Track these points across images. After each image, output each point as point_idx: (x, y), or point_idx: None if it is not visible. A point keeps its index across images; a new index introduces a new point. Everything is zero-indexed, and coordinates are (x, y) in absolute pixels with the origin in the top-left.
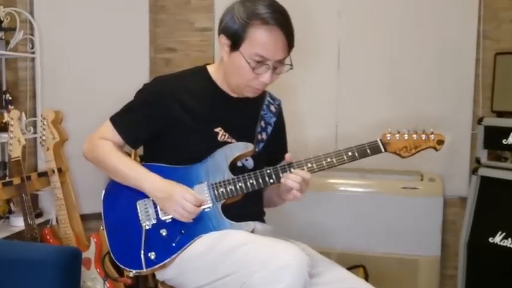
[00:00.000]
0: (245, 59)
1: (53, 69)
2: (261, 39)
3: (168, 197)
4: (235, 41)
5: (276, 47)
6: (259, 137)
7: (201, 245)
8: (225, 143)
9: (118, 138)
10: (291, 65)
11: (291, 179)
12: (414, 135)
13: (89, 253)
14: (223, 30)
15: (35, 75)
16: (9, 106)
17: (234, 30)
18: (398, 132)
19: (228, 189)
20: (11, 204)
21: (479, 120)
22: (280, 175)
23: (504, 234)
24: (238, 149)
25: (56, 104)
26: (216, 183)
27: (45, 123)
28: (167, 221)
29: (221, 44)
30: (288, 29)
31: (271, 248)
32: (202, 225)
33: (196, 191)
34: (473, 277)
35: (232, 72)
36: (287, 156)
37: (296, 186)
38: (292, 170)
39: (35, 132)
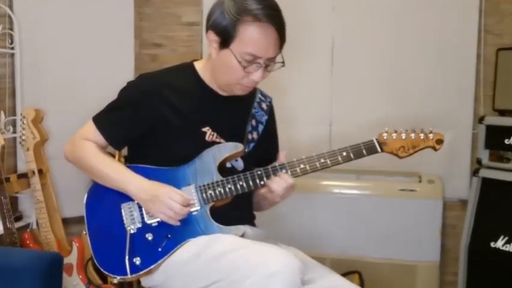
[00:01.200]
0: (236, 57)
1: (34, 66)
2: (253, 37)
3: (154, 198)
4: (225, 38)
5: (267, 44)
6: (250, 136)
7: (189, 250)
8: (214, 143)
9: (100, 138)
10: (283, 62)
11: (277, 183)
12: (412, 135)
13: (71, 258)
14: (212, 26)
15: (15, 72)
16: None
17: (224, 27)
18: (395, 132)
19: (217, 191)
20: None
21: (481, 119)
22: (272, 176)
23: (506, 238)
24: (228, 149)
25: (36, 102)
26: (204, 185)
27: (25, 122)
28: (153, 224)
29: (209, 40)
30: (280, 25)
31: (262, 253)
32: (189, 229)
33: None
34: (474, 283)
35: (221, 70)
36: (281, 155)
37: (279, 192)
38: (283, 170)
39: (14, 132)
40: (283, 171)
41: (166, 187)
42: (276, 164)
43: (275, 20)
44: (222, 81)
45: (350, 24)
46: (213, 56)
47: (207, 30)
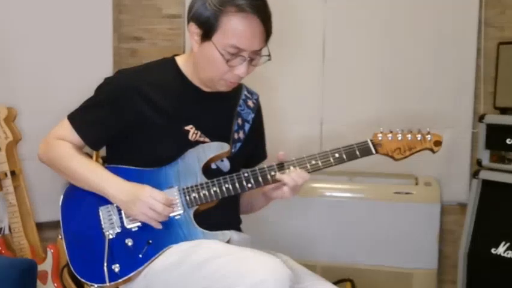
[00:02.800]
0: (218, 50)
1: (4, 61)
2: (236, 28)
3: (134, 199)
4: (207, 30)
5: (252, 36)
6: (236, 136)
7: (171, 257)
8: (197, 142)
9: (76, 138)
10: (269, 55)
11: (292, 177)
12: (409, 136)
13: (46, 265)
14: (193, 17)
15: None
16: None
17: (205, 18)
18: (391, 132)
19: (201, 194)
20: None
21: (481, 118)
22: (260, 179)
23: (508, 244)
24: (212, 149)
25: (8, 99)
26: (187, 188)
27: None
28: (133, 229)
29: (191, 32)
30: (266, 16)
31: (249, 260)
32: (171, 234)
33: None
34: None
35: (203, 64)
36: (281, 154)
37: (291, 185)
38: (272, 172)
39: None
40: (273, 173)
41: (147, 187)
42: (264, 165)
43: (260, 10)
44: (204, 76)
45: (342, 16)
46: (195, 49)
47: (188, 22)
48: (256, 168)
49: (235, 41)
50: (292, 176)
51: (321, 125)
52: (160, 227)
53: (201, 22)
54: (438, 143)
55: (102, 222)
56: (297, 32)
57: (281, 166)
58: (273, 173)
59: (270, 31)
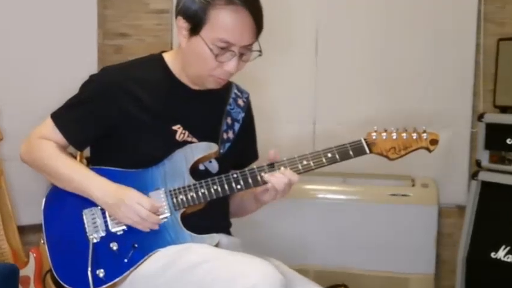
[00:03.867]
0: (207, 44)
1: None
2: (225, 21)
3: (120, 202)
4: (195, 24)
5: (242, 30)
6: (225, 135)
7: (157, 261)
8: (185, 142)
9: (60, 137)
10: (260, 51)
11: (279, 179)
12: (404, 134)
13: (28, 270)
14: (181, 11)
15: None
16: None
17: (193, 12)
18: (385, 131)
19: (189, 196)
20: None
21: (480, 117)
22: (249, 180)
23: (508, 248)
24: (200, 149)
25: None
26: (174, 190)
27: None
28: (118, 233)
29: (179, 27)
30: (256, 9)
31: (239, 265)
32: (158, 238)
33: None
34: None
35: (191, 60)
36: (271, 153)
37: (281, 188)
38: (263, 173)
39: None
40: (263, 173)
41: (134, 191)
42: (254, 166)
43: (250, 3)
44: (192, 73)
45: (337, 11)
46: (183, 44)
47: (176, 17)
48: (246, 169)
49: (224, 35)
50: (280, 177)
51: (314, 124)
52: (147, 229)
53: (189, 16)
54: (434, 142)
55: (86, 226)
56: (289, 27)
57: (272, 167)
58: (263, 174)
59: (261, 26)
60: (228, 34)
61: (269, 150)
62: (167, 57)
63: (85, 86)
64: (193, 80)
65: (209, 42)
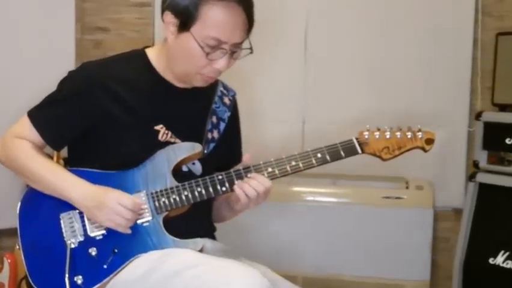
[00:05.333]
0: (197, 42)
1: None
2: (218, 18)
3: (100, 205)
4: (185, 20)
5: (234, 28)
6: (210, 135)
7: (139, 267)
8: (168, 143)
9: (37, 137)
10: (251, 48)
11: (250, 185)
12: (398, 133)
13: (3, 277)
14: (170, 6)
15: None
16: None
17: (184, 7)
18: (378, 130)
19: (171, 199)
20: None
21: (478, 115)
22: (235, 181)
23: (507, 254)
24: (184, 150)
25: None
26: (156, 192)
27: None
28: (97, 238)
29: (166, 23)
30: (248, 5)
31: (224, 271)
32: (139, 242)
33: None
34: None
35: (179, 57)
36: (246, 157)
37: (252, 196)
38: (249, 175)
39: None
40: (249, 175)
41: (114, 191)
42: (240, 167)
43: None
44: (179, 71)
45: (327, 6)
46: (170, 41)
47: (163, 12)
48: (231, 170)
49: (216, 33)
50: (252, 184)
51: (303, 123)
52: (129, 231)
53: (178, 11)
54: (430, 141)
55: (63, 230)
56: (278, 22)
57: (258, 168)
58: (249, 176)
59: (252, 21)
60: (220, 32)
61: (255, 152)
62: (151, 53)
63: (62, 83)
64: (179, 77)
65: (200, 40)
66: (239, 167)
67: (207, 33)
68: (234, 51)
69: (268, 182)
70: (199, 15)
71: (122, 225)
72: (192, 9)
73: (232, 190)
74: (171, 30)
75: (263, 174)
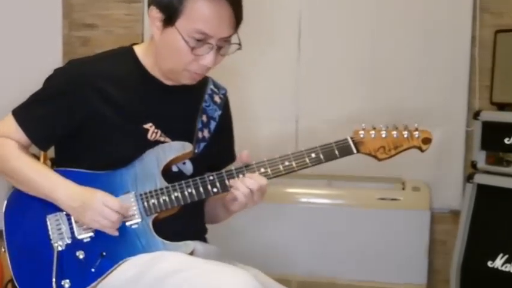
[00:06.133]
0: (182, 36)
1: None
2: (202, 12)
3: (85, 205)
4: (170, 14)
5: (220, 21)
6: (200, 134)
7: (128, 271)
8: (157, 142)
9: (22, 136)
10: (239, 43)
11: (245, 184)
12: (394, 133)
13: None
14: (155, 0)
15: None
16: None
17: (168, 1)
18: (374, 129)
19: (161, 200)
20: None
21: (476, 115)
22: (226, 182)
23: (507, 257)
24: (174, 150)
25: None
26: (145, 193)
27: None
28: (85, 240)
29: (151, 18)
30: None
31: (215, 275)
32: (128, 245)
33: None
34: None
35: (165, 53)
36: (244, 154)
37: (247, 194)
38: (241, 175)
39: None
40: (241, 175)
41: (99, 193)
42: (232, 167)
43: None
44: (166, 67)
45: (321, 0)
46: (156, 36)
47: (148, 6)
48: (223, 171)
49: (201, 26)
50: (246, 182)
51: (297, 122)
52: (116, 233)
53: (163, 6)
54: (427, 141)
55: (50, 233)
56: (270, 17)
57: (251, 168)
58: (241, 176)
59: (240, 17)
60: (205, 25)
61: (242, 151)
62: (139, 50)
63: (49, 81)
64: (166, 74)
65: (185, 34)
66: (231, 167)
67: (192, 27)
68: (220, 46)
69: (263, 180)
70: (183, 9)
71: (107, 227)
72: (176, 3)
73: (224, 191)
74: (157, 25)
75: (242, 178)
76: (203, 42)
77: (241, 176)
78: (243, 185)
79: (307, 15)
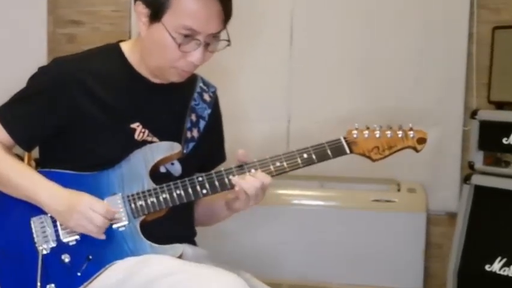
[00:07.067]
0: (169, 32)
1: None
2: (190, 7)
3: (70, 209)
4: (156, 9)
5: (208, 17)
6: (189, 134)
7: (114, 275)
8: (145, 142)
9: (5, 136)
10: (229, 40)
11: (249, 182)
12: (388, 133)
13: None
14: None
15: None
16: None
17: None
18: (368, 129)
19: (149, 202)
20: None
21: (473, 114)
22: (216, 183)
23: (505, 260)
24: (161, 150)
25: None
26: (132, 195)
27: None
28: (70, 243)
29: (138, 13)
30: None
31: (204, 279)
32: (115, 248)
33: None
34: None
35: (151, 50)
36: (240, 153)
37: (252, 193)
38: (231, 176)
39: None
40: (231, 176)
41: (86, 196)
42: (222, 168)
43: None
44: (153, 64)
45: None
46: (142, 33)
47: (134, 1)
48: (213, 172)
49: (188, 22)
50: (250, 180)
51: (288, 122)
52: (103, 237)
53: (149, 0)
54: (422, 141)
55: (34, 236)
56: (260, 12)
57: (241, 169)
58: (231, 177)
59: (229, 12)
60: (192, 20)
61: (238, 150)
62: (125, 47)
63: (33, 79)
64: (153, 72)
65: (171, 30)
66: (221, 167)
67: (179, 23)
68: (209, 42)
69: (267, 178)
70: (170, 4)
71: (93, 232)
72: None
73: (213, 192)
74: (143, 21)
75: (242, 177)
76: (190, 39)
77: (231, 177)
78: (246, 183)
79: (300, 13)
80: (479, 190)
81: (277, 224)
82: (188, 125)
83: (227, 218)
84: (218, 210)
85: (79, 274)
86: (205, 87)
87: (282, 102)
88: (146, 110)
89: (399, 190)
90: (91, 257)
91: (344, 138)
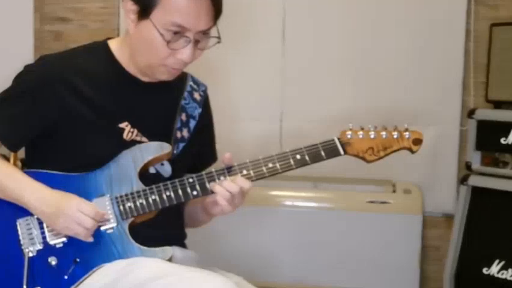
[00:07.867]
0: (157, 29)
1: None
2: (179, 3)
3: (58, 211)
4: (145, 6)
5: (198, 13)
6: (179, 134)
7: (102, 278)
8: (134, 142)
9: None
10: (219, 37)
11: (225, 187)
12: (383, 133)
13: None
14: None
15: None
16: None
17: None
18: (362, 129)
19: (138, 203)
20: None
21: (470, 113)
22: (207, 185)
23: (503, 263)
24: (151, 150)
25: None
26: (121, 196)
27: None
28: (57, 245)
29: (126, 10)
30: None
31: (194, 281)
32: (103, 251)
33: None
34: None
35: (140, 47)
36: (226, 156)
37: (227, 197)
38: (222, 178)
39: None
40: (222, 178)
41: (74, 198)
42: (212, 169)
43: None
44: (141, 62)
45: None
46: (131, 30)
47: None
48: (203, 173)
49: (177, 18)
50: (228, 186)
51: (281, 122)
52: (90, 239)
53: None
54: (417, 142)
55: (20, 238)
56: (252, 9)
57: (233, 170)
58: (222, 178)
59: (220, 8)
60: (181, 17)
61: (224, 153)
62: (113, 44)
63: (19, 78)
64: (142, 70)
65: (160, 27)
66: (212, 169)
67: (167, 19)
68: (198, 40)
69: (246, 183)
70: (159, 0)
71: (81, 235)
72: None
73: (204, 194)
74: (131, 18)
75: (219, 181)
76: (180, 36)
77: (222, 178)
78: (222, 189)
79: (293, 8)
80: (476, 191)
81: (270, 225)
82: (178, 124)
83: (208, 222)
84: (198, 214)
85: (65, 277)
86: (195, 86)
87: (274, 101)
88: (135, 109)
89: (394, 191)
90: (78, 259)
91: (338, 138)
